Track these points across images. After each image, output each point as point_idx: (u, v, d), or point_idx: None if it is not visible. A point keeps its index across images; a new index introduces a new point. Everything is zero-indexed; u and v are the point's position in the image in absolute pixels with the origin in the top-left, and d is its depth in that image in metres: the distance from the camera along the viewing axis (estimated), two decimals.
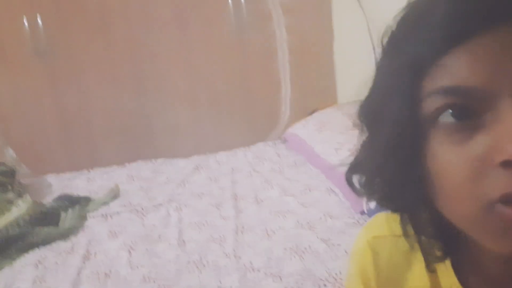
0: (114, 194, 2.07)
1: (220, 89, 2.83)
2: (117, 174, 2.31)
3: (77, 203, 2.00)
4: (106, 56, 2.70)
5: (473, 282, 0.50)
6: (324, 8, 2.75)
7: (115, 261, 1.58)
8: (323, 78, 2.84)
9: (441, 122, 0.39)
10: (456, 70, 0.38)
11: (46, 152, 2.74)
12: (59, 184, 2.27)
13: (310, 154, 2.15)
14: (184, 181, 2.17)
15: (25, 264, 1.61)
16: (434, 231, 0.48)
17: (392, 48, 0.44)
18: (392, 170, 0.44)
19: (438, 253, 0.49)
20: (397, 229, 0.51)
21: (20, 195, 2.07)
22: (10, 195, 2.02)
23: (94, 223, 1.85)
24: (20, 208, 1.93)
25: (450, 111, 0.39)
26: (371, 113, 0.47)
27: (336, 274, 1.33)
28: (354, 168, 0.50)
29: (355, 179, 0.51)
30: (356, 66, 2.58)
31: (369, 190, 0.48)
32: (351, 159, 0.51)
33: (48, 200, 2.09)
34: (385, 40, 0.45)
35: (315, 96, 2.79)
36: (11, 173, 2.22)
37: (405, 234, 0.50)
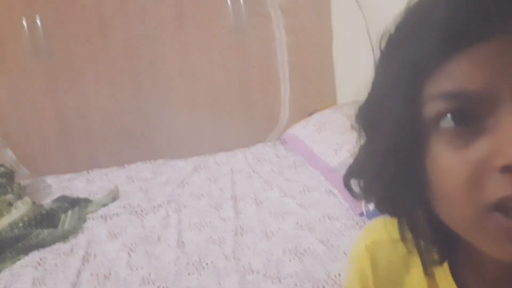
0: (114, 196, 2.07)
1: (219, 90, 2.83)
2: (116, 175, 2.31)
3: (77, 205, 2.00)
4: (105, 57, 2.70)
5: (471, 286, 0.50)
6: (323, 9, 2.75)
7: (114, 262, 1.58)
8: (322, 79, 2.84)
9: (441, 126, 0.39)
10: (458, 74, 0.38)
11: (45, 153, 2.74)
12: (58, 185, 2.26)
13: (310, 155, 2.15)
14: (183, 182, 2.17)
15: (25, 266, 1.61)
16: (432, 235, 0.48)
17: (392, 51, 0.44)
18: (391, 173, 0.44)
19: (436, 257, 0.49)
20: (395, 233, 0.51)
21: (19, 196, 2.08)
22: (10, 196, 2.02)
23: (93, 224, 1.85)
24: (19, 210, 1.93)
25: (451, 115, 0.38)
26: (370, 117, 0.47)
27: (335, 275, 1.34)
28: (352, 171, 0.50)
29: (353, 182, 0.51)
30: (355, 67, 2.59)
31: (367, 193, 0.48)
32: (349, 162, 0.51)
33: (47, 201, 2.09)
34: (384, 43, 0.45)
35: (314, 97, 2.79)
36: (10, 175, 2.22)
37: (403, 238, 0.50)
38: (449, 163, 0.39)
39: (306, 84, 2.82)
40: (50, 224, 1.87)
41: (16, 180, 2.26)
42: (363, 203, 1.57)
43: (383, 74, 0.45)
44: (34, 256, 1.66)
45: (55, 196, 2.13)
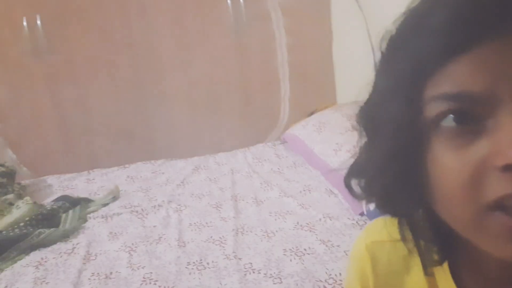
0: (114, 195, 2.07)
1: (219, 90, 2.83)
2: (116, 175, 2.32)
3: (77, 204, 2.00)
4: (105, 57, 2.71)
5: (471, 285, 0.50)
6: (323, 9, 2.75)
7: (115, 262, 1.58)
8: (322, 79, 2.85)
9: (442, 127, 0.40)
10: (458, 76, 0.38)
11: (45, 153, 2.74)
12: (59, 185, 2.27)
13: (310, 155, 2.16)
14: (183, 182, 2.17)
15: (26, 265, 1.61)
16: (432, 235, 0.49)
17: (392, 53, 0.44)
18: (391, 173, 0.44)
19: (436, 257, 0.50)
20: (396, 234, 0.52)
21: (20, 196, 2.08)
22: (10, 196, 2.03)
23: (94, 224, 1.86)
24: (20, 210, 1.93)
25: (452, 116, 0.39)
26: (370, 117, 0.47)
27: (336, 275, 1.34)
28: (353, 171, 0.51)
29: (354, 182, 0.52)
30: (355, 67, 2.59)
31: (368, 194, 0.49)
32: (350, 162, 0.51)
33: (48, 201, 2.09)
34: (384, 44, 0.45)
35: (314, 97, 2.80)
36: (11, 174, 2.22)
37: (403, 238, 0.50)
38: (450, 163, 0.39)
39: (306, 84, 2.83)
40: (51, 223, 1.88)
41: (16, 180, 2.26)
42: (363, 203, 1.58)
43: (384, 75, 0.45)
44: (35, 256, 1.67)
45: (56, 196, 2.13)
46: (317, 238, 1.55)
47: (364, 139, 0.49)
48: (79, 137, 2.78)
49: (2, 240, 1.74)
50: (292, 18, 2.73)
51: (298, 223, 1.67)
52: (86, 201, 2.05)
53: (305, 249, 1.50)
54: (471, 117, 0.38)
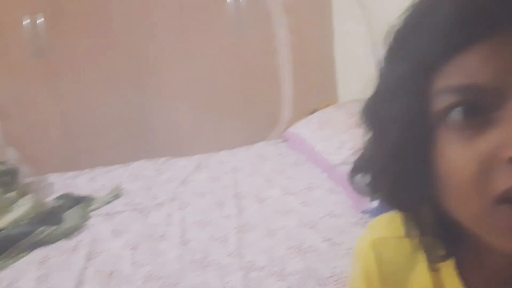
0: (117, 193, 2.07)
1: (221, 89, 2.83)
2: (119, 173, 2.32)
3: (80, 202, 2.00)
4: (107, 56, 2.71)
5: (476, 282, 0.50)
6: (324, 7, 2.75)
7: (118, 259, 1.58)
8: (323, 77, 2.85)
9: (450, 120, 0.40)
10: (467, 68, 0.38)
11: (47, 152, 2.74)
12: (61, 183, 2.27)
13: (311, 153, 2.16)
14: (186, 180, 2.18)
15: (29, 263, 1.62)
16: (437, 230, 0.49)
17: (399, 47, 0.44)
18: (398, 169, 0.44)
19: (441, 253, 0.49)
20: (400, 230, 0.51)
21: (22, 194, 2.08)
22: (13, 194, 2.03)
23: (97, 222, 1.86)
24: (23, 208, 1.93)
25: (461, 108, 0.39)
26: (376, 112, 0.47)
27: (339, 273, 1.34)
28: (358, 167, 0.50)
29: (357, 178, 0.51)
30: (356, 65, 2.59)
31: (373, 189, 0.49)
32: (354, 158, 0.51)
33: (50, 199, 2.09)
34: (390, 39, 0.45)
35: (316, 95, 2.80)
36: (13, 173, 2.22)
37: (408, 234, 0.50)
38: (457, 156, 0.39)
39: (307, 83, 2.83)
40: (53, 221, 1.88)
41: (19, 178, 2.27)
42: (366, 200, 1.58)
43: (389, 70, 0.45)
44: (38, 254, 1.67)
45: (58, 193, 2.14)
46: (319, 236, 1.55)
47: (369, 135, 0.48)
48: (81, 135, 2.78)
49: (4, 238, 1.75)
50: (293, 16, 2.73)
51: (300, 221, 1.67)
52: (89, 199, 2.05)
53: (308, 247, 1.50)
54: (479, 109, 0.38)
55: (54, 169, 2.45)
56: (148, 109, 2.79)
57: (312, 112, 2.52)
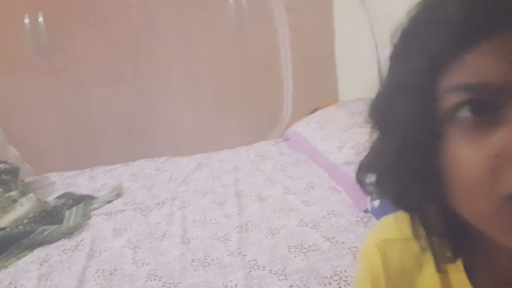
0: (118, 192, 2.07)
1: (222, 88, 2.83)
2: (120, 172, 2.32)
3: (81, 201, 2.00)
4: (107, 54, 2.71)
5: (485, 283, 0.50)
6: (325, 6, 2.75)
7: (120, 258, 1.58)
8: (324, 76, 2.85)
9: (458, 118, 0.39)
10: (477, 66, 0.38)
11: (48, 151, 2.74)
12: (62, 182, 2.27)
13: (313, 152, 2.16)
14: (187, 179, 2.17)
15: (30, 262, 1.62)
16: (445, 231, 0.48)
17: (406, 45, 0.43)
18: (405, 168, 0.44)
19: (449, 254, 0.49)
20: (407, 231, 0.51)
21: (23, 193, 2.08)
22: (14, 193, 2.03)
23: (98, 221, 1.86)
24: (24, 207, 1.93)
25: (469, 106, 0.39)
26: (383, 111, 0.46)
27: (341, 272, 1.34)
28: (365, 167, 0.50)
29: (364, 178, 0.51)
30: (357, 64, 2.60)
31: (380, 189, 0.48)
32: (361, 158, 0.51)
33: (51, 198, 2.09)
34: (397, 37, 0.44)
35: (316, 94, 2.80)
36: (14, 172, 2.22)
37: (416, 234, 0.49)
38: (466, 154, 0.39)
39: (308, 82, 2.83)
40: (54, 220, 1.88)
41: (20, 177, 2.27)
42: (368, 199, 1.58)
43: (397, 68, 0.45)
44: (39, 253, 1.67)
45: (59, 193, 2.14)
46: (321, 235, 1.55)
47: (375, 134, 0.48)
48: (82, 134, 2.78)
49: (6, 237, 1.75)
50: (294, 15, 2.73)
51: (302, 220, 1.67)
52: (90, 198, 2.05)
53: (309, 246, 1.50)
54: (488, 107, 0.38)
55: (55, 168, 2.45)
56: (149, 108, 2.79)
57: (313, 111, 2.51)
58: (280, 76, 2.81)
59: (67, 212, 1.94)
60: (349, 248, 1.45)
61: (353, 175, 1.65)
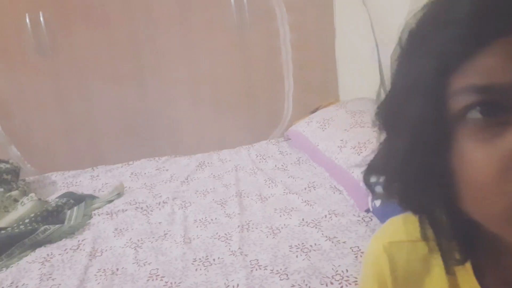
0: (119, 192, 2.07)
1: (223, 87, 2.84)
2: (121, 172, 2.32)
3: (82, 201, 2.00)
4: (109, 54, 2.71)
5: (494, 284, 0.49)
6: (326, 6, 2.75)
7: (121, 258, 1.58)
8: (325, 76, 2.85)
9: (468, 120, 0.39)
10: (487, 67, 0.37)
11: (49, 150, 2.75)
12: (63, 182, 2.27)
13: (314, 151, 2.16)
14: (188, 178, 2.18)
15: (32, 262, 1.62)
16: (454, 233, 0.48)
17: (415, 46, 0.43)
18: (414, 170, 0.43)
19: (458, 256, 0.48)
20: (415, 233, 0.50)
21: (25, 193, 2.08)
22: (15, 193, 2.03)
23: (99, 220, 1.86)
24: (25, 206, 1.93)
25: (479, 108, 0.38)
26: (392, 113, 0.46)
27: (342, 271, 1.34)
28: (372, 168, 0.50)
29: (360, 178, 0.51)
30: (357, 64, 2.60)
31: (389, 191, 0.48)
32: (369, 159, 0.50)
33: (52, 197, 2.09)
34: (404, 39, 0.44)
35: (317, 93, 2.80)
36: (15, 171, 2.22)
37: (424, 236, 0.49)
38: (476, 156, 0.39)
39: (309, 81, 2.83)
40: (56, 220, 1.88)
41: (21, 176, 2.27)
42: (369, 199, 1.58)
43: (405, 69, 0.44)
44: (40, 252, 1.67)
45: (60, 192, 2.14)
46: (322, 234, 1.55)
47: (384, 135, 0.48)
48: (83, 134, 2.78)
49: (7, 236, 1.75)
50: (295, 15, 2.73)
51: (303, 219, 1.67)
52: (91, 197, 2.05)
53: (311, 246, 1.50)
54: (498, 109, 0.38)
55: (56, 167, 2.45)
56: (150, 108, 2.79)
57: (314, 111, 2.52)
58: (281, 75, 2.82)
59: (69, 212, 1.94)
60: (351, 247, 1.46)
61: (354, 174, 1.65)
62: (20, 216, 1.89)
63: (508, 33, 0.37)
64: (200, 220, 1.79)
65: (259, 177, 2.10)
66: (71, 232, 1.78)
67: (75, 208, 1.96)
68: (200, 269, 1.47)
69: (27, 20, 2.56)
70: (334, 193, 1.86)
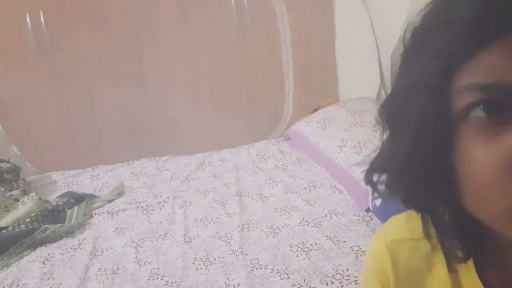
0: (119, 191, 2.07)
1: (223, 87, 2.84)
2: (121, 171, 2.32)
3: (83, 200, 2.01)
4: (109, 53, 2.71)
5: (496, 282, 0.50)
6: (326, 5, 2.75)
7: (122, 257, 1.59)
8: (325, 75, 2.86)
9: (471, 118, 0.39)
10: (491, 66, 0.37)
11: (49, 150, 2.75)
12: (64, 181, 2.27)
13: (314, 151, 2.16)
14: (188, 178, 2.18)
15: (32, 261, 1.62)
16: (456, 231, 0.48)
17: (418, 44, 0.43)
18: (417, 168, 0.44)
19: (460, 254, 0.49)
20: (417, 231, 0.50)
21: (25, 192, 2.08)
22: (16, 192, 2.03)
23: (100, 220, 1.86)
24: (26, 206, 1.94)
25: (482, 106, 0.38)
26: (394, 111, 0.46)
27: (343, 270, 1.35)
28: (375, 167, 0.50)
29: (361, 175, 0.51)
30: (358, 63, 2.60)
31: (392, 189, 0.48)
32: (371, 157, 0.50)
33: (53, 197, 2.09)
34: (408, 37, 0.44)
35: (317, 93, 2.81)
36: (15, 171, 2.22)
37: (427, 234, 0.49)
38: (479, 154, 0.39)
39: (309, 81, 2.83)
40: (56, 219, 1.88)
41: (21, 176, 2.27)
42: (369, 198, 1.58)
43: (408, 68, 0.44)
44: (41, 252, 1.67)
45: (61, 192, 2.14)
46: (323, 234, 1.56)
47: (387, 134, 0.48)
48: (83, 133, 2.78)
49: (8, 236, 1.75)
50: (295, 14, 2.73)
51: (303, 219, 1.67)
52: (91, 197, 2.05)
53: (311, 245, 1.50)
54: (501, 107, 0.38)
55: (56, 167, 2.46)
56: (150, 107, 2.79)
57: (314, 111, 2.52)
58: (281, 75, 2.82)
59: (69, 211, 1.95)
60: (351, 247, 1.46)
61: (354, 174, 1.66)
62: (20, 215, 1.89)
63: (511, 32, 0.37)
64: (200, 219, 1.79)
65: (259, 176, 2.11)
66: (72, 232, 1.78)
67: (76, 207, 1.97)
68: (201, 269, 1.47)
69: (28, 20, 2.56)
70: (334, 192, 1.86)
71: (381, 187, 0.50)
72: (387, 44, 2.09)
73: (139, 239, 1.69)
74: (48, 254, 1.65)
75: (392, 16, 2.14)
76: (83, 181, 2.27)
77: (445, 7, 0.41)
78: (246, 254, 1.51)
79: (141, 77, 2.76)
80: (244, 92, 2.85)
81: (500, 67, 0.37)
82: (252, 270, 1.42)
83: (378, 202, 1.54)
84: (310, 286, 1.30)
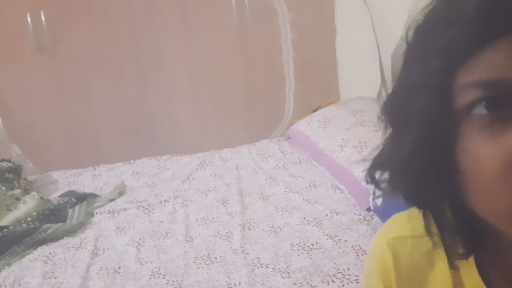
0: (120, 191, 2.08)
1: (224, 86, 2.84)
2: (122, 170, 2.33)
3: (84, 200, 2.01)
4: (110, 53, 2.71)
5: (497, 279, 0.50)
6: (327, 4, 2.75)
7: (123, 256, 1.59)
8: (326, 75, 2.86)
9: (474, 115, 0.39)
10: (493, 63, 0.38)
11: (51, 149, 2.75)
12: (65, 181, 2.28)
13: (315, 150, 2.16)
14: (189, 177, 2.18)
15: (34, 260, 1.63)
16: (457, 228, 0.48)
17: (421, 42, 0.43)
18: (420, 165, 0.44)
19: (461, 251, 0.49)
20: (418, 228, 0.51)
21: (26, 191, 2.09)
22: (17, 191, 2.04)
23: (101, 219, 1.87)
24: (27, 205, 1.94)
25: (485, 103, 0.39)
26: (398, 109, 0.46)
27: (344, 269, 1.35)
28: (377, 164, 0.50)
29: (362, 174, 0.51)
30: (358, 63, 2.60)
31: (394, 186, 0.48)
32: (373, 155, 0.50)
33: (54, 196, 2.10)
34: (411, 34, 0.44)
35: (317, 92, 2.81)
36: (17, 170, 2.23)
37: (428, 231, 0.49)
38: (482, 151, 0.39)
39: (310, 80, 2.83)
40: (58, 219, 1.89)
41: (22, 175, 2.27)
42: (370, 198, 1.58)
43: (412, 65, 0.45)
44: (43, 251, 1.68)
45: (62, 191, 2.15)
46: (324, 233, 1.56)
47: (389, 131, 0.48)
48: (84, 132, 2.78)
49: (9, 235, 1.75)
50: (296, 13, 2.73)
51: (304, 218, 1.68)
52: (93, 196, 2.06)
53: (312, 244, 1.50)
54: (504, 104, 0.38)
55: (57, 166, 2.46)
56: (151, 106, 2.80)
57: (314, 110, 2.52)
58: (282, 74, 2.82)
59: (70, 210, 1.95)
60: (352, 246, 1.46)
61: (355, 173, 1.66)
62: (22, 214, 1.90)
63: None
64: (201, 218, 1.79)
65: (260, 176, 2.11)
66: (73, 231, 1.79)
67: (77, 206, 1.97)
68: (202, 268, 1.47)
69: (29, 19, 2.57)
70: (335, 192, 1.86)
71: (383, 184, 0.50)
72: (388, 43, 2.09)
73: (140, 238, 1.69)
74: (50, 253, 1.66)
75: (392, 15, 2.14)
76: (84, 180, 2.27)
77: (448, 5, 0.41)
78: (247, 253, 1.51)
79: (142, 76, 2.76)
80: (245, 92, 2.85)
81: (502, 64, 0.37)
82: (253, 269, 1.42)
83: (379, 201, 1.54)
84: (311, 285, 1.31)
